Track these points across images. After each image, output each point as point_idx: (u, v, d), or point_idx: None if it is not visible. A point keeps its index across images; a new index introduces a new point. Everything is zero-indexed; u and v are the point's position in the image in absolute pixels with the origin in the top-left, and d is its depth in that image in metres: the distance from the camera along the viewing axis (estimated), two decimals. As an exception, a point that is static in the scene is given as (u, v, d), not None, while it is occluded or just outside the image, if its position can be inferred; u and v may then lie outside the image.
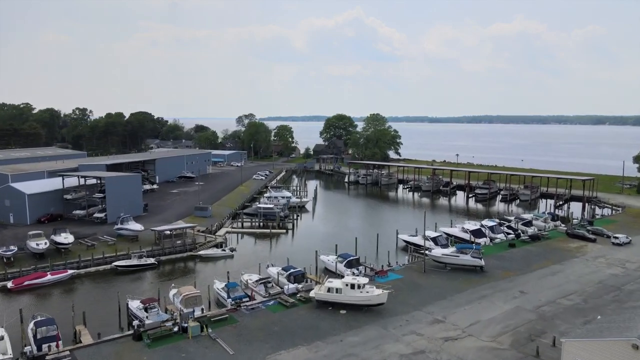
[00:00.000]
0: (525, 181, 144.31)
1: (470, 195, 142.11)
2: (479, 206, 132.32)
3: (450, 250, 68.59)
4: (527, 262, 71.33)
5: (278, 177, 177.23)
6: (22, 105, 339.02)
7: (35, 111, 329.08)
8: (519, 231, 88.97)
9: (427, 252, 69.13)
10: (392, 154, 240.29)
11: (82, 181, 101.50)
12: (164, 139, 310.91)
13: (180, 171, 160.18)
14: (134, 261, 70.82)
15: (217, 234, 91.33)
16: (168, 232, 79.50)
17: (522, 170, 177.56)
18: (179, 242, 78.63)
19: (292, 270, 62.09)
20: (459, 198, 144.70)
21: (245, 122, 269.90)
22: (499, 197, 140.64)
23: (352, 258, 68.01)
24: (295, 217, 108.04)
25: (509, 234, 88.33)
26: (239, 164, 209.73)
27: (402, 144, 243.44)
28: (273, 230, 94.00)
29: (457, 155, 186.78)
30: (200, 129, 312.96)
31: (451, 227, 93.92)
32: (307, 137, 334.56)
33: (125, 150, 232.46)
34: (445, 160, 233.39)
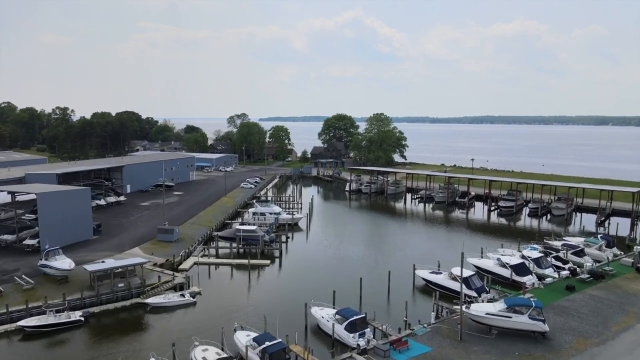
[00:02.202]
0: (557, 191, 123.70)
1: (492, 209, 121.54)
2: (503, 221, 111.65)
3: (498, 306, 47.98)
4: (602, 319, 50.80)
5: (269, 186, 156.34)
6: (3, 105, 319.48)
7: (17, 111, 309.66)
8: (573, 265, 68.55)
9: (464, 307, 48.62)
10: (396, 157, 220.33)
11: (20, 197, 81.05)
12: (152, 140, 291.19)
13: (157, 179, 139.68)
14: (49, 319, 50.31)
15: (180, 266, 70.88)
16: (109, 271, 58.88)
17: (546, 178, 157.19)
18: (121, 285, 58.14)
19: (267, 344, 41.63)
20: (478, 211, 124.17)
21: (237, 123, 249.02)
22: (526, 211, 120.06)
23: (356, 318, 47.52)
24: (285, 239, 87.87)
25: (559, 268, 68.06)
26: (228, 169, 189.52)
27: (407, 146, 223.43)
28: (253, 262, 73.41)
29: (473, 160, 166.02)
30: (190, 129, 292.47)
31: (482, 257, 73.59)
32: (307, 139, 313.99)
33: (105, 153, 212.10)
34: (455, 165, 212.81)
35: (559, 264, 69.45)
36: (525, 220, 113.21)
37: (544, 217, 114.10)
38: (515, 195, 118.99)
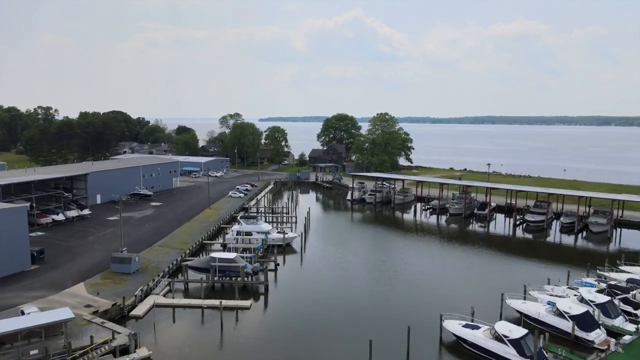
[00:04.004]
0: (591, 203, 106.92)
1: (517, 223, 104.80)
2: (533, 239, 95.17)
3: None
4: None
5: (260, 195, 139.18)
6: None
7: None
8: (649, 312, 51.94)
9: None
10: (401, 160, 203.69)
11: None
12: (142, 142, 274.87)
13: (133, 187, 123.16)
14: None
15: (133, 311, 54.25)
16: (17, 333, 42.22)
17: (570, 185, 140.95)
18: (34, 351, 41.54)
19: None
20: (500, 225, 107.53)
21: (230, 123, 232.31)
22: (556, 226, 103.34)
23: None
24: (274, 266, 71.42)
25: (630, 315, 51.61)
26: (217, 174, 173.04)
27: (413, 148, 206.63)
28: (228, 304, 56.71)
29: (489, 165, 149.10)
30: (182, 130, 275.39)
31: (525, 297, 56.95)
32: (307, 139, 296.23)
33: (87, 156, 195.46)
34: (466, 169, 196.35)
35: (629, 308, 52.94)
36: (556, 237, 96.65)
37: (580, 234, 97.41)
38: (547, 208, 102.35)
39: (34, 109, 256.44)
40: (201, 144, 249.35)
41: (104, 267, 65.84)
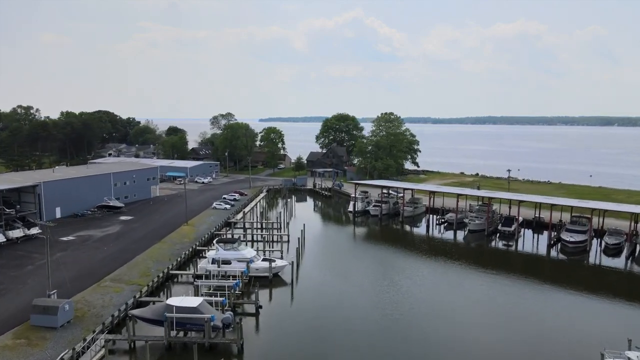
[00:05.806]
0: (638, 219, 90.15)
1: (552, 243, 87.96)
2: (568, 262, 78.72)
3: None
4: None
5: (248, 208, 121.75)
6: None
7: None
8: None
9: None
10: (407, 164, 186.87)
11: None
12: (130, 144, 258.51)
13: (101, 198, 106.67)
14: None
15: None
16: None
17: (597, 193, 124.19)
18: None
19: None
20: (529, 244, 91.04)
21: (222, 124, 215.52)
22: (598, 245, 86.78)
23: None
24: (255, 309, 55.06)
25: None
26: (205, 180, 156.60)
27: (420, 151, 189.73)
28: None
29: (509, 171, 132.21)
30: (173, 131, 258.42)
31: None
32: (308, 140, 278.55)
33: (64, 159, 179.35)
34: (478, 174, 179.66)
35: None
36: (601, 261, 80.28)
37: (630, 258, 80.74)
38: (590, 224, 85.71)
39: (13, 108, 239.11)
40: (194, 145, 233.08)
41: (25, 316, 49.35)
